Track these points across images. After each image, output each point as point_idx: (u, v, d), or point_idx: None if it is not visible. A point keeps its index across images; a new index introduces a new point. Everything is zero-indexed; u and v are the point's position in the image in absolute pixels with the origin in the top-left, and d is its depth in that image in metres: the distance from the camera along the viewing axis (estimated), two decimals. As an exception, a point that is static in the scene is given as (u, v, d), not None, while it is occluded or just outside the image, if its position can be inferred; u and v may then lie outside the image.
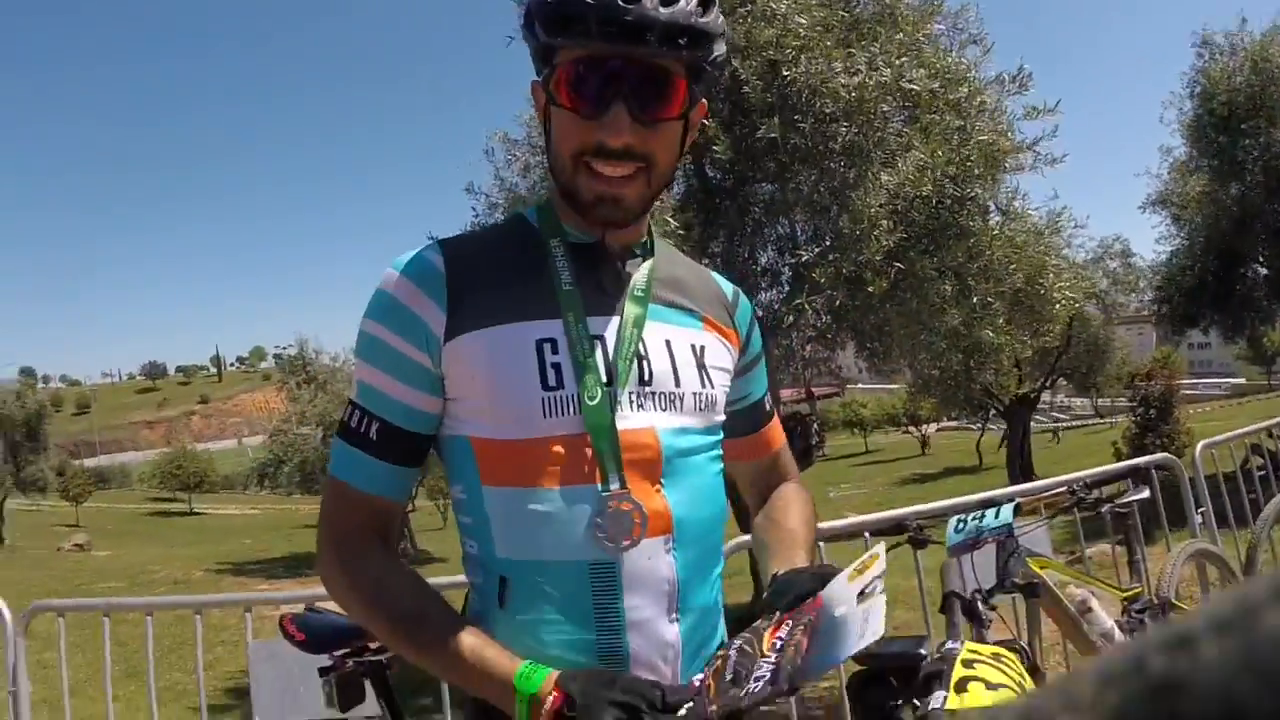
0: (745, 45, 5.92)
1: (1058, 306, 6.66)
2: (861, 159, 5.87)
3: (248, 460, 34.55)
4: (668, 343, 1.31)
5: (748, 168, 6.42)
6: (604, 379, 1.23)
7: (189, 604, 4.63)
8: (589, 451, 1.20)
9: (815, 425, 8.64)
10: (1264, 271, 15.37)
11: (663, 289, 1.36)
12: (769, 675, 1.06)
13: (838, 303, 6.00)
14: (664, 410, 1.27)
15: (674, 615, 1.23)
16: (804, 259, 6.08)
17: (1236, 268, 15.46)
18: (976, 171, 5.87)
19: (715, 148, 6.05)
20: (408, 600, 1.23)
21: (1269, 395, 37.47)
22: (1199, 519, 4.56)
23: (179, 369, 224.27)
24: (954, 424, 39.59)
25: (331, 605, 1.76)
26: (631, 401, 1.24)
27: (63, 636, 3.77)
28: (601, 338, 1.26)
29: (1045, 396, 39.42)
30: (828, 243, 6.23)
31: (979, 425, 30.93)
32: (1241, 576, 4.16)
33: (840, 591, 1.18)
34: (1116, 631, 3.20)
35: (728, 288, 1.50)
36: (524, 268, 1.29)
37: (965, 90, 5.99)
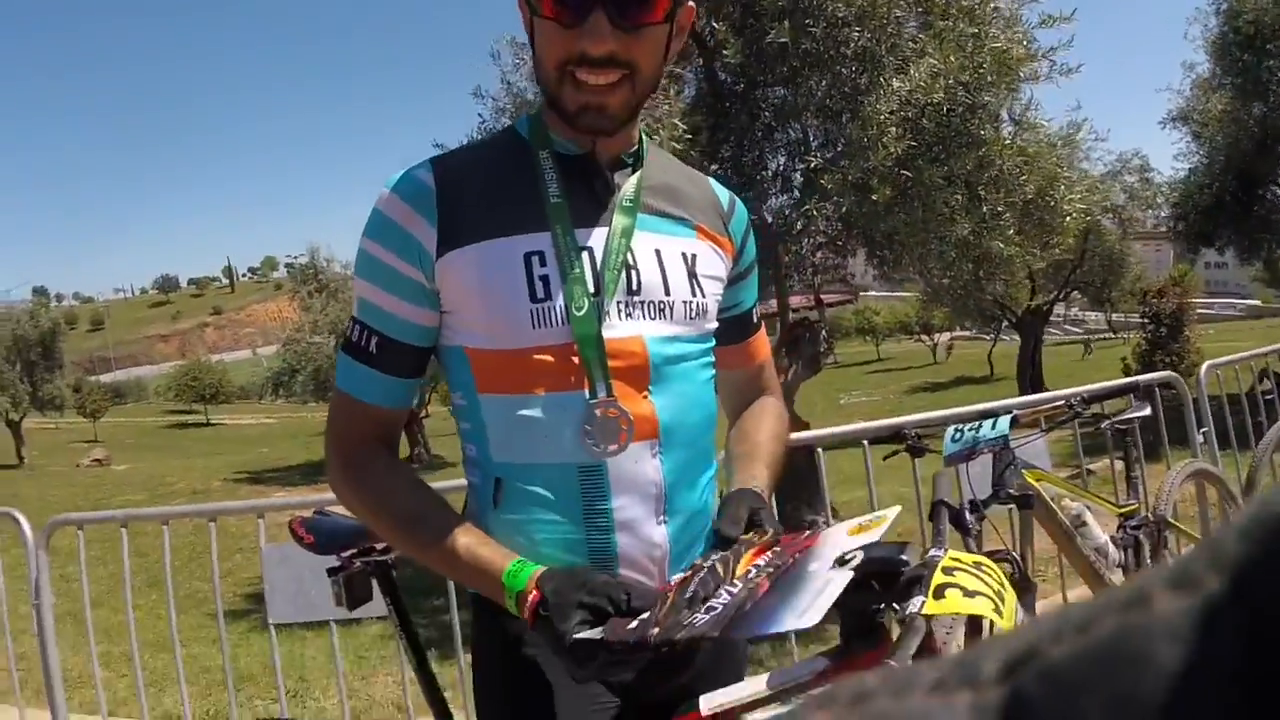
0: None
1: (1068, 219, 6.60)
2: (873, 64, 5.78)
3: (262, 370, 34.85)
4: (657, 251, 1.33)
5: (758, 71, 6.29)
6: (591, 289, 1.25)
7: (204, 512, 4.74)
8: (576, 360, 1.23)
9: (824, 332, 8.60)
10: None
11: (653, 197, 1.37)
12: (719, 609, 1.08)
13: (844, 209, 5.92)
14: (652, 319, 1.30)
15: (661, 517, 1.28)
16: (813, 164, 6.00)
17: (1255, 188, 15.21)
18: (989, 79, 5.79)
19: (725, 51, 5.94)
20: (409, 503, 1.30)
21: None
22: (1200, 439, 4.56)
23: (191, 281, 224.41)
24: (967, 333, 39.41)
25: (340, 509, 1.83)
26: (619, 311, 1.27)
27: (82, 549, 3.87)
28: (589, 249, 1.28)
29: (1059, 309, 39.21)
30: (839, 149, 6.14)
31: (991, 335, 30.82)
32: (1241, 499, 4.18)
33: (836, 541, 1.22)
34: (1110, 546, 3.25)
35: (724, 194, 1.51)
36: (513, 181, 1.30)
37: None
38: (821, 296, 9.50)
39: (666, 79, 5.71)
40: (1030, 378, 18.72)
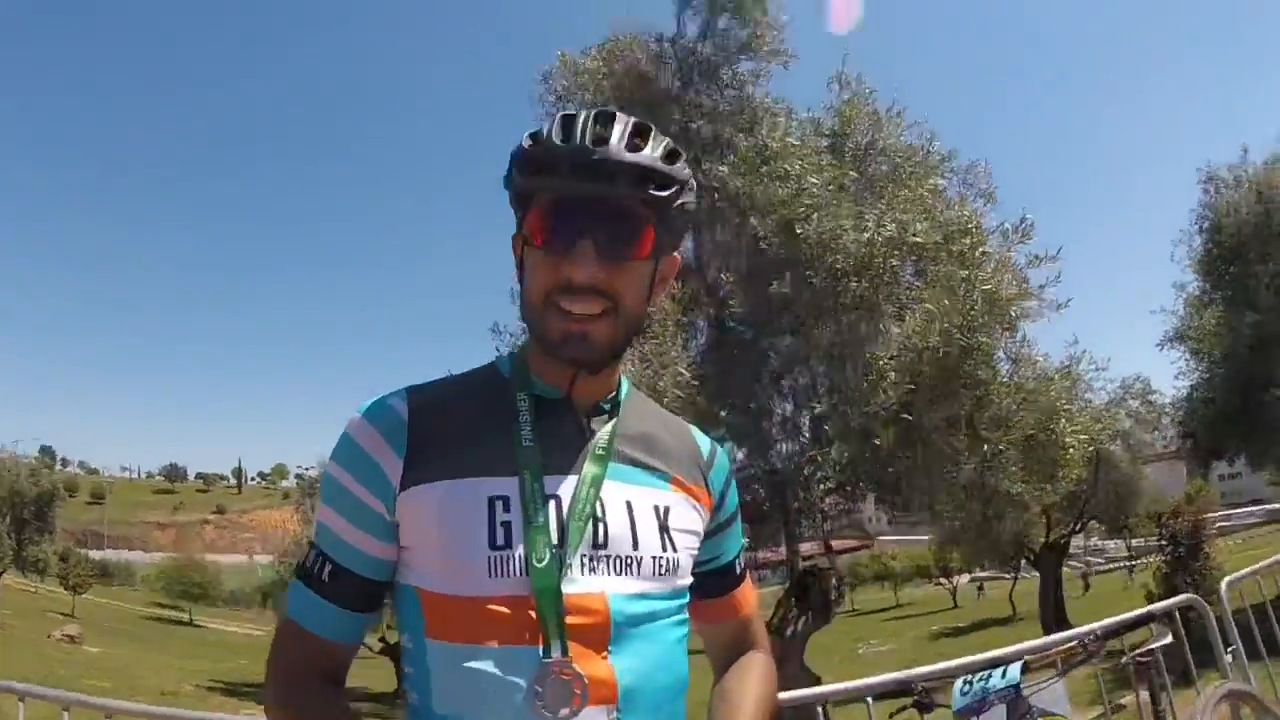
0: (763, 204, 6.09)
1: (1071, 451, 6.61)
2: (872, 312, 5.98)
3: (256, 577, 34.18)
4: (628, 503, 1.27)
5: (765, 321, 6.50)
6: (554, 540, 1.19)
7: (156, 717, 4.48)
8: (532, 615, 1.16)
9: (834, 580, 8.42)
10: None
11: (628, 446, 1.33)
12: None
13: (846, 456, 5.95)
14: (618, 574, 1.22)
15: None
16: (818, 410, 6.09)
17: (1258, 394, 15.15)
18: (982, 320, 5.97)
19: (732, 302, 6.15)
20: None
21: None
22: (1229, 658, 4.43)
23: (199, 475, 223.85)
24: (986, 574, 38.62)
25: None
26: (583, 565, 1.20)
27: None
28: (557, 497, 1.23)
29: (1078, 541, 38.50)
30: (842, 394, 6.26)
31: (1011, 575, 30.13)
32: None
33: None
34: None
35: (704, 443, 1.46)
36: (488, 421, 1.27)
37: (969, 240, 6.17)
38: (833, 543, 9.37)
39: (676, 327, 5.89)
40: (1054, 615, 18.15)
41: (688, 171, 1.25)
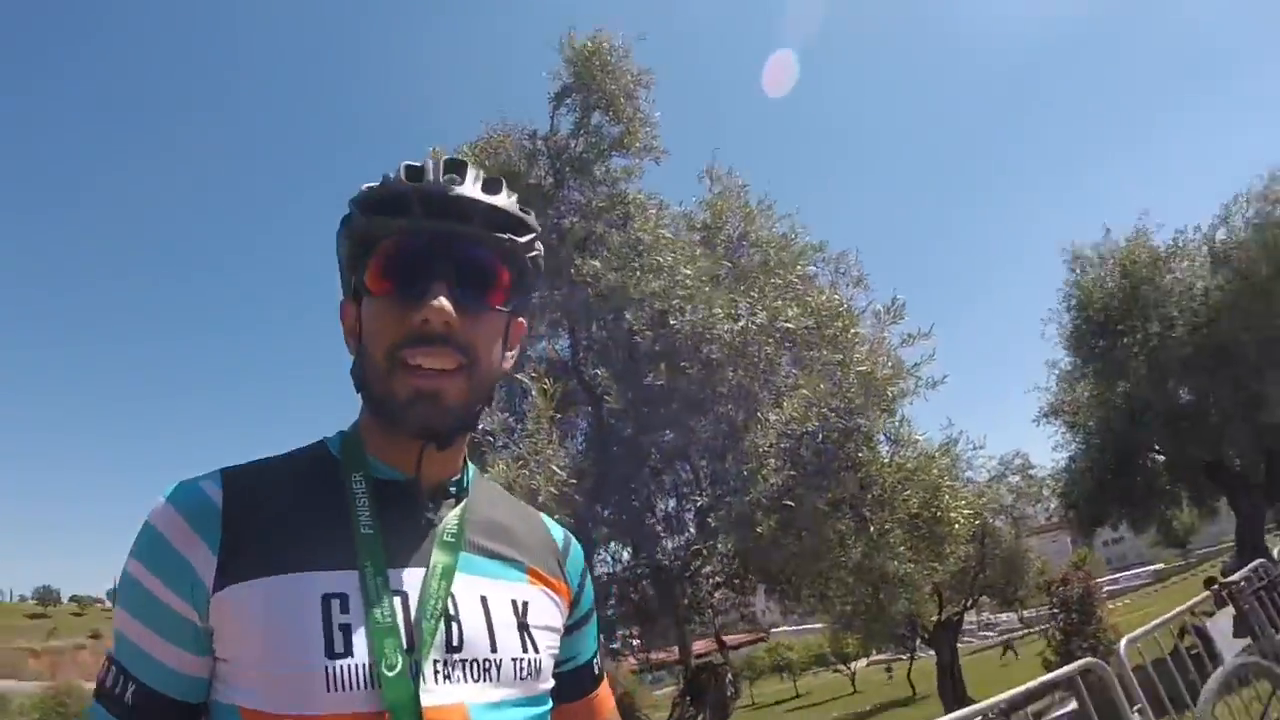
0: (637, 297, 6.10)
1: (957, 526, 6.70)
2: (750, 401, 5.98)
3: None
4: (483, 599, 1.11)
5: (643, 416, 6.45)
6: (404, 644, 1.00)
7: None
8: None
9: (729, 676, 8.30)
10: (1161, 457, 15.92)
11: (479, 534, 1.17)
12: None
13: (732, 548, 5.88)
14: (476, 681, 1.05)
15: None
16: (700, 504, 6.02)
17: (1135, 459, 15.95)
18: (857, 401, 6.06)
19: (608, 398, 6.09)
20: None
21: (1189, 574, 38.37)
22: (1136, 717, 4.54)
23: (73, 598, 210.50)
24: (884, 656, 38.86)
25: None
26: (437, 672, 1.01)
27: None
28: (404, 593, 1.05)
29: (970, 617, 39.16)
30: (725, 485, 6.21)
31: (907, 655, 30.34)
32: None
33: None
34: None
35: (558, 533, 1.33)
36: (318, 506, 1.08)
37: (840, 324, 6.29)
38: (725, 638, 9.24)
39: (550, 424, 5.76)
40: (953, 692, 18.24)
41: (537, 223, 1.16)
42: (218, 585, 1.00)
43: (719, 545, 5.95)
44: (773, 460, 5.64)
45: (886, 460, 6.39)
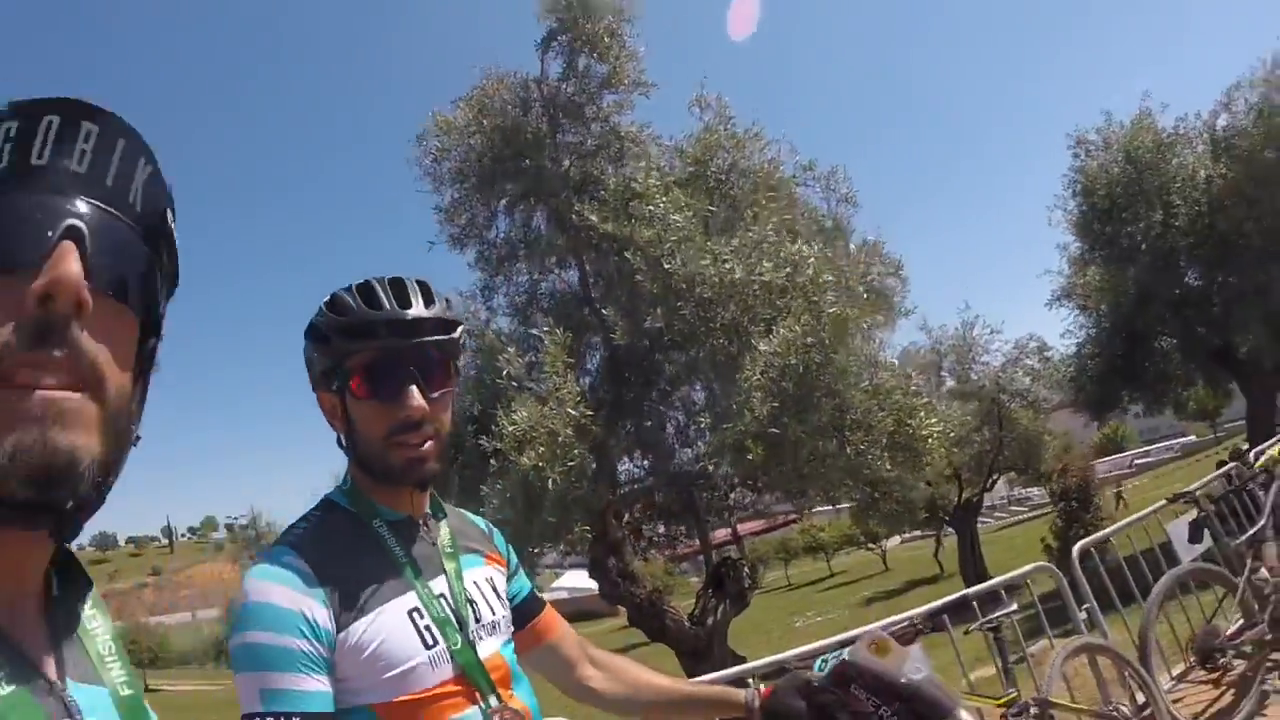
0: (633, 243, 6.52)
1: (930, 442, 7.07)
2: (741, 335, 6.44)
3: (203, 634, 33.41)
4: (475, 583, 1.62)
5: (647, 346, 6.97)
6: (457, 626, 1.50)
7: None
8: (467, 684, 1.47)
9: (746, 569, 8.91)
10: (1173, 341, 15.85)
11: (459, 539, 1.67)
12: None
13: (724, 469, 6.41)
14: (494, 635, 1.58)
15: None
16: (702, 425, 6.60)
17: (1145, 344, 15.95)
18: (827, 341, 6.44)
19: (614, 335, 6.60)
20: None
21: (1214, 450, 38.13)
22: (1084, 616, 4.87)
23: (130, 540, 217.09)
24: (917, 533, 39.32)
25: None
26: (477, 637, 1.53)
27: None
28: (443, 595, 1.53)
29: (1002, 490, 39.24)
30: (717, 412, 6.68)
31: (934, 535, 30.95)
32: (1137, 662, 4.42)
33: None
34: None
35: (479, 520, 1.84)
36: (365, 551, 1.51)
37: (810, 273, 6.63)
38: (757, 522, 9.87)
39: (564, 366, 6.32)
40: (974, 569, 18.99)
41: (459, 316, 1.58)
42: (339, 628, 1.37)
43: (724, 466, 6.49)
44: (759, 393, 6.12)
45: (865, 384, 6.76)
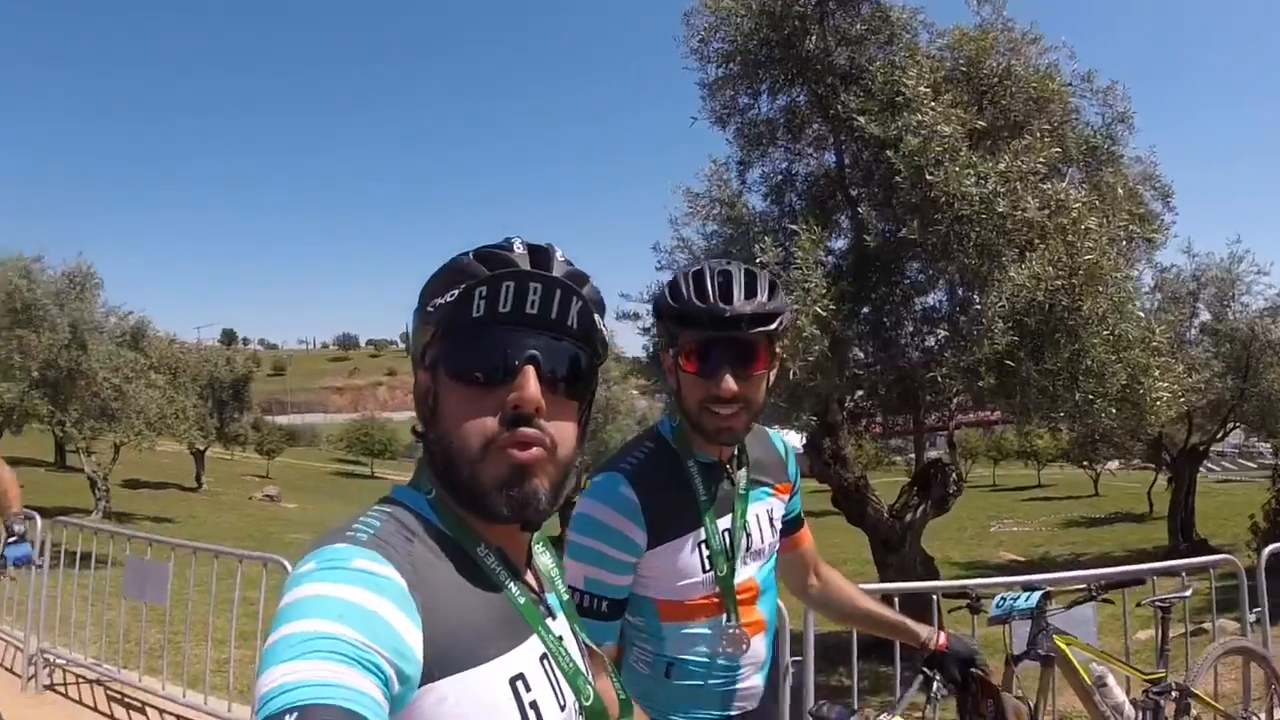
0: (897, 147, 6.54)
1: (1159, 404, 6.81)
2: (993, 258, 6.45)
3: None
4: (758, 517, 1.98)
5: (895, 249, 7.09)
6: (728, 556, 1.89)
7: None
8: (718, 602, 1.89)
9: (954, 475, 9.07)
10: None
11: (753, 474, 1.99)
12: None
13: (955, 391, 6.48)
14: (757, 560, 1.97)
15: (760, 670, 2.01)
16: (937, 339, 6.75)
17: None
18: (1078, 287, 6.30)
19: (866, 237, 6.78)
20: None
21: None
22: (1252, 618, 4.84)
23: (370, 341, 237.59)
24: (1136, 461, 36.64)
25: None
26: (743, 564, 1.92)
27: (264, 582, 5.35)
28: (728, 529, 1.90)
29: (1235, 439, 35.69)
30: (958, 328, 6.82)
31: (1154, 470, 29.11)
32: None
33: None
34: (1128, 707, 3.81)
35: (779, 445, 2.14)
36: (677, 488, 1.87)
37: (1073, 215, 6.43)
38: (954, 439, 9.87)
39: (815, 262, 6.58)
40: (1181, 521, 18.14)
41: (783, 299, 1.80)
42: (649, 547, 1.81)
43: (955, 381, 6.59)
44: (1001, 323, 6.17)
45: (1106, 333, 6.50)
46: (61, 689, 6.30)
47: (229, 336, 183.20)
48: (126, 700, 6.06)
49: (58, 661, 6.48)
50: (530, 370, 0.98)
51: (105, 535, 7.04)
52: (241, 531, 23.68)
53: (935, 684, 2.16)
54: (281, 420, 73.14)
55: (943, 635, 2.19)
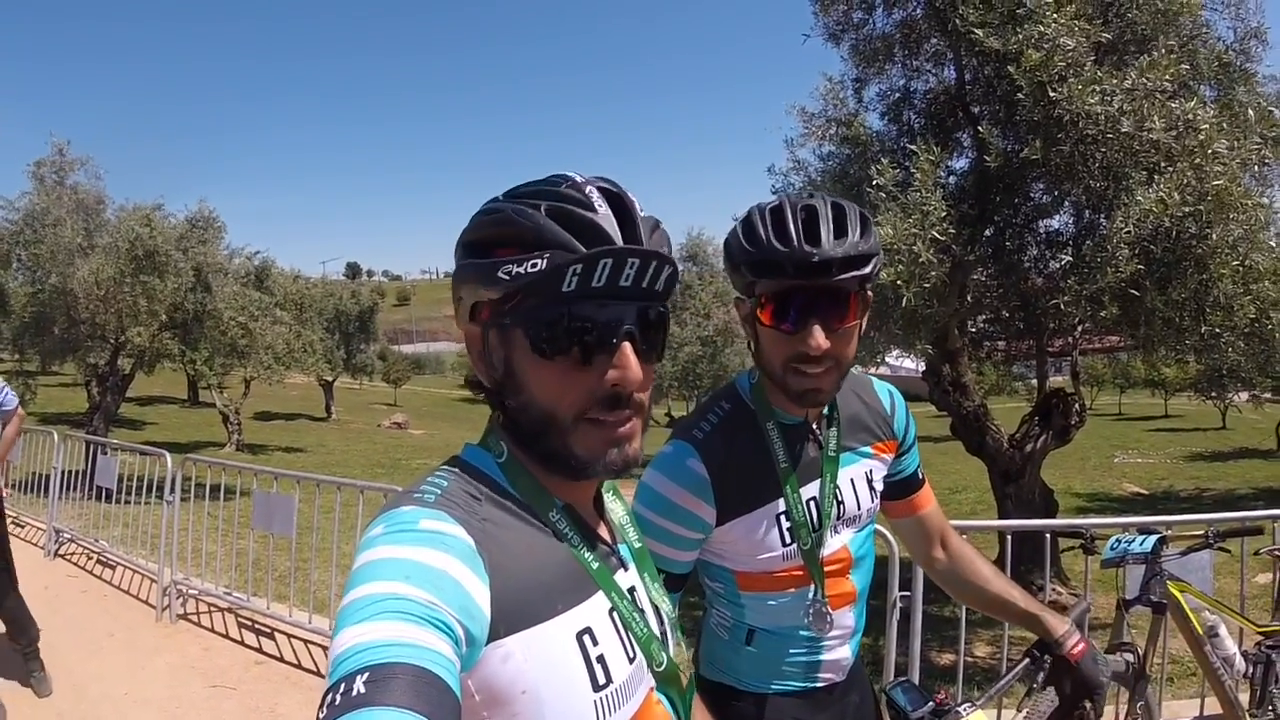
0: (1018, 62, 6.23)
1: None
2: (1119, 181, 6.14)
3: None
4: (852, 481, 1.78)
5: (1017, 169, 6.79)
6: (814, 529, 1.71)
7: None
8: (803, 573, 1.73)
9: (1077, 405, 8.75)
10: None
11: (845, 436, 1.78)
12: None
13: (1077, 320, 6.19)
14: (851, 527, 1.79)
15: (850, 642, 1.84)
16: (1061, 264, 6.48)
17: None
18: (1206, 215, 5.92)
19: (987, 157, 6.51)
20: None
21: None
22: None
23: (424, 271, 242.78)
24: (1268, 395, 33.97)
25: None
26: (832, 532, 1.74)
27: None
28: (814, 498, 1.72)
29: None
30: (1082, 253, 6.51)
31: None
32: None
33: None
34: (1239, 659, 3.68)
35: (885, 397, 1.89)
36: (755, 454, 1.70)
37: (1203, 136, 6.00)
38: (1077, 370, 9.51)
39: (933, 183, 6.37)
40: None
41: (876, 240, 1.55)
42: (719, 523, 1.66)
43: (1074, 313, 6.37)
44: (1126, 249, 5.88)
45: (1236, 262, 6.14)
46: (194, 618, 6.73)
47: (353, 270, 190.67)
48: (256, 626, 6.47)
49: (190, 592, 6.92)
50: (628, 347, 0.98)
51: (234, 469, 7.44)
52: (370, 459, 24.71)
53: (1041, 677, 1.89)
54: (407, 349, 75.14)
55: (1082, 644, 1.87)
